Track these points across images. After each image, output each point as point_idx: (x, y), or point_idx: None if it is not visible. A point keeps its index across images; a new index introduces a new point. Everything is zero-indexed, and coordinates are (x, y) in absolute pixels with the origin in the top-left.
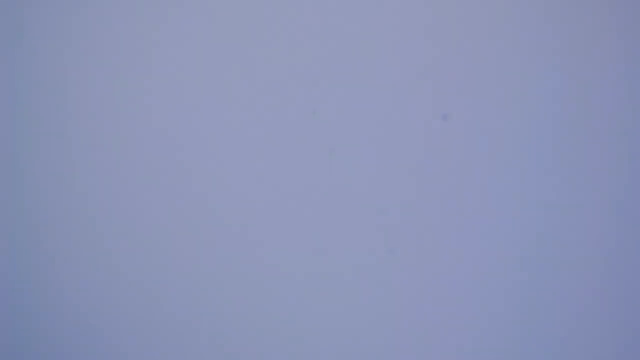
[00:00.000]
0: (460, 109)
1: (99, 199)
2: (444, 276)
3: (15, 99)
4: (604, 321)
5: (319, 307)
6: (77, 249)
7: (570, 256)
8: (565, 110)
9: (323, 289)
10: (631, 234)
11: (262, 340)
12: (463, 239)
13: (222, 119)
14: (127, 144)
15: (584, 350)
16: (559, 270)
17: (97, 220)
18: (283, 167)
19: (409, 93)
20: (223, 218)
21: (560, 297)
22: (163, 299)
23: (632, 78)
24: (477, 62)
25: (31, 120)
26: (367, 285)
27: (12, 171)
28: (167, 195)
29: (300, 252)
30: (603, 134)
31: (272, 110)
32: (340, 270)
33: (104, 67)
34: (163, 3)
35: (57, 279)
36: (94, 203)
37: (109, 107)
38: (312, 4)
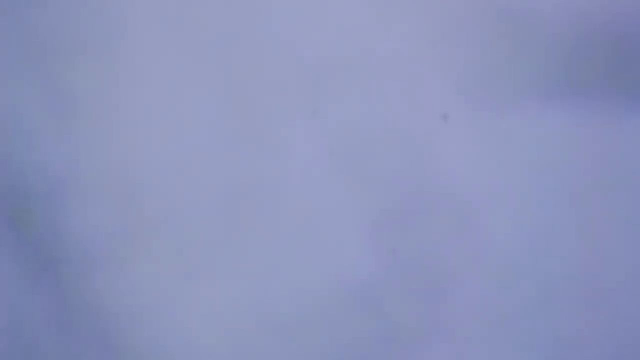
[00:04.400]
0: (460, 109)
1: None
2: (444, 277)
3: None
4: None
5: (319, 307)
6: None
7: (576, 256)
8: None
9: (322, 287)
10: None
11: (261, 341)
12: (465, 239)
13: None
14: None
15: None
16: (563, 270)
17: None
18: (284, 167)
19: (409, 92)
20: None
21: (562, 297)
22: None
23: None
24: (477, 62)
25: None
26: (367, 285)
27: None
28: (162, 179)
29: (297, 253)
30: (604, 132)
31: (272, 111)
32: (341, 270)
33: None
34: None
35: None
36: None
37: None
38: (311, 3)
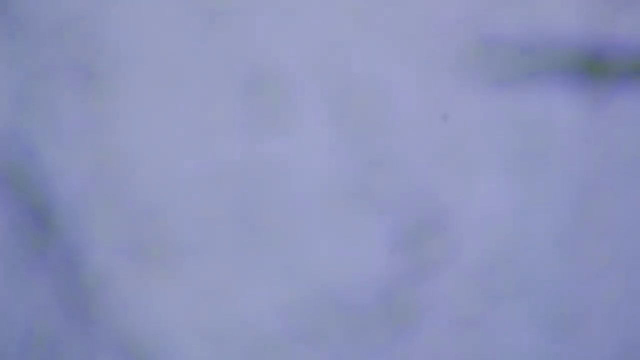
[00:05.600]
0: (460, 108)
1: None
2: (442, 277)
3: None
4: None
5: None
6: None
7: (585, 258)
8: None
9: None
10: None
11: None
12: (464, 239)
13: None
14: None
15: None
16: (574, 272)
17: None
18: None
19: (408, 92)
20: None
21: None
22: None
23: None
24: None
25: None
26: (367, 286)
27: None
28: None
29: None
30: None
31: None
32: (344, 272)
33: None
34: None
35: None
36: None
37: None
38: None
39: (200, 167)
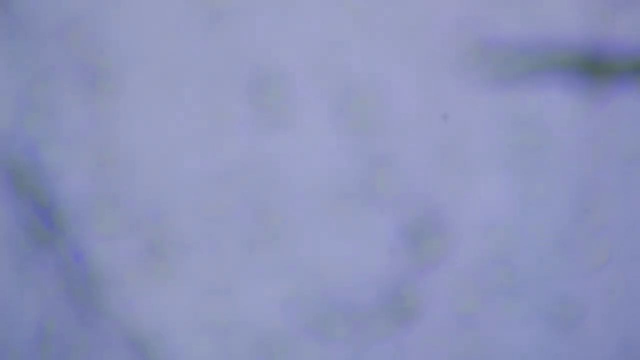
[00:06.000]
0: (460, 108)
1: None
2: (443, 275)
3: None
4: None
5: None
6: None
7: (584, 257)
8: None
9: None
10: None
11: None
12: (464, 239)
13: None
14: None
15: None
16: (573, 270)
17: None
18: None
19: (408, 92)
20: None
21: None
22: None
23: None
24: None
25: None
26: (367, 284)
27: None
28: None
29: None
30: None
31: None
32: (345, 270)
33: None
34: None
35: None
36: None
37: None
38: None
39: (202, 166)
